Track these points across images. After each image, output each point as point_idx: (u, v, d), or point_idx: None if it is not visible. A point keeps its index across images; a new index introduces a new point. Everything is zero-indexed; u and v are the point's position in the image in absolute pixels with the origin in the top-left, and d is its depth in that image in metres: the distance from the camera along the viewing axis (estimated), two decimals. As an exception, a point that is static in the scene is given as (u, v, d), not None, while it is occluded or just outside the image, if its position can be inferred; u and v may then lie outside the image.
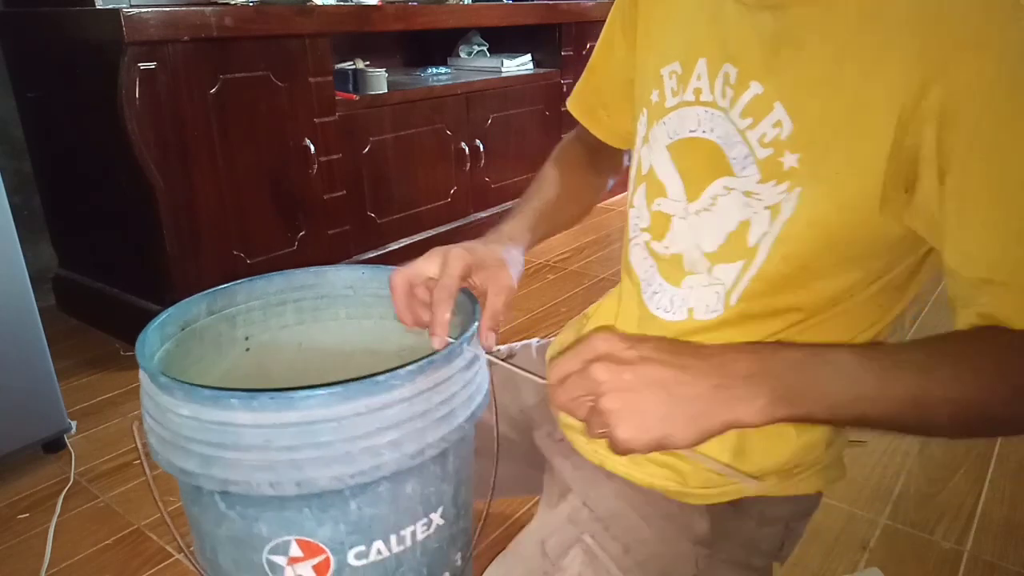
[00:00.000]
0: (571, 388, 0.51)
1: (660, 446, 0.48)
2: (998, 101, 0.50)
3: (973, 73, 0.50)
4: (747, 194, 0.64)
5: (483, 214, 2.90)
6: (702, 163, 0.68)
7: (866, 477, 1.57)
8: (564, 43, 3.12)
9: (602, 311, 0.85)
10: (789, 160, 0.61)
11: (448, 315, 0.63)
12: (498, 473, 0.74)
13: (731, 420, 0.48)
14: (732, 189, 0.66)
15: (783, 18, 0.61)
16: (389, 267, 0.76)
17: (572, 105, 0.93)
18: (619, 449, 0.49)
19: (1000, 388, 0.50)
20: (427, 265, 0.67)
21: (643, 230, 0.76)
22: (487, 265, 0.68)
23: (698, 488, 0.71)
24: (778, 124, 0.61)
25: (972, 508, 1.47)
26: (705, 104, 0.68)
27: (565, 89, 3.16)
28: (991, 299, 0.53)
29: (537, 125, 3.10)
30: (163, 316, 0.67)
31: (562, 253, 2.86)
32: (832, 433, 0.74)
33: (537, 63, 3.16)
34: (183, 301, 0.71)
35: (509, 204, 3.01)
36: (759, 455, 0.70)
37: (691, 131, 0.70)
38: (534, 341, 0.98)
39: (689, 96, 0.70)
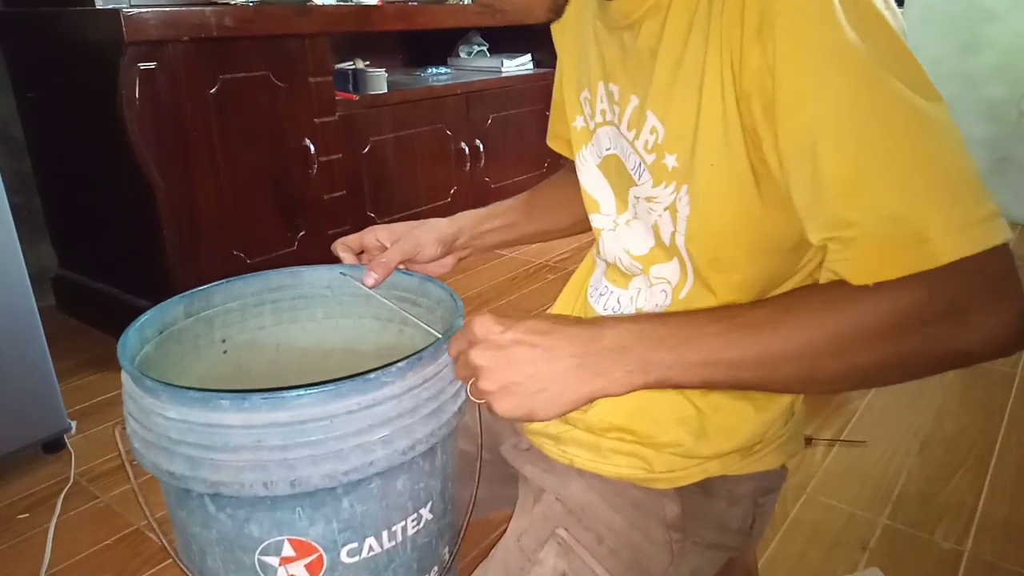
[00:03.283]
0: (460, 368, 0.58)
1: (530, 419, 0.55)
2: (787, 77, 0.53)
3: (759, 57, 0.54)
4: (648, 199, 0.69)
5: (483, 214, 2.90)
6: (620, 177, 0.74)
7: (866, 477, 1.57)
8: (564, 43, 3.12)
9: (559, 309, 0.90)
10: (670, 161, 0.65)
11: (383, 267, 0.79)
12: (460, 492, 0.76)
13: (593, 392, 0.54)
14: (639, 197, 0.70)
15: (638, 35, 0.66)
16: (365, 267, 0.78)
17: (550, 141, 0.96)
18: (498, 418, 0.56)
19: (832, 343, 0.52)
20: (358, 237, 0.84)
21: (591, 242, 0.83)
22: (399, 232, 0.83)
23: (664, 473, 0.73)
24: (654, 131, 0.65)
25: (972, 508, 1.47)
26: (609, 123, 0.74)
27: (566, 89, 3.16)
28: (830, 256, 0.54)
29: (537, 125, 3.10)
30: (142, 319, 0.68)
31: (562, 253, 2.86)
32: (789, 410, 0.76)
33: (537, 63, 3.16)
34: (161, 304, 0.71)
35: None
36: (719, 436, 0.72)
37: (607, 149, 0.75)
38: None
39: (599, 118, 0.75)
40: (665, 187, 0.66)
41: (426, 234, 0.84)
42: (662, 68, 0.63)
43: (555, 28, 0.84)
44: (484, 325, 0.56)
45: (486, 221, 0.91)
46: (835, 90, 0.51)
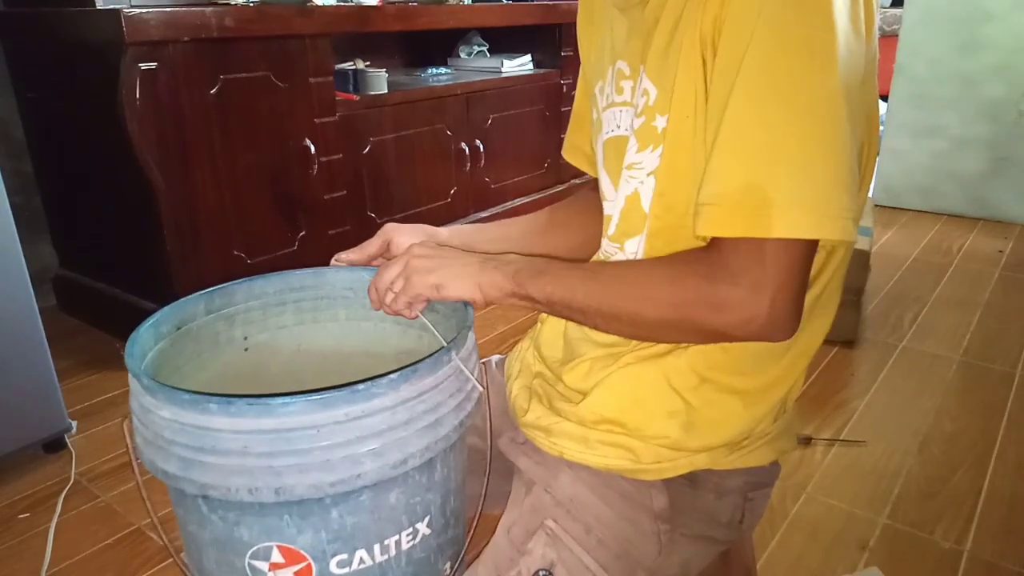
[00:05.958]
0: (386, 299, 0.71)
1: (436, 290, 0.69)
2: (729, 38, 0.58)
3: (711, 19, 0.60)
4: (629, 167, 0.71)
5: (483, 214, 2.89)
6: (616, 157, 0.75)
7: (866, 477, 1.57)
8: (564, 43, 3.11)
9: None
10: (660, 123, 0.67)
11: (354, 256, 0.83)
12: (471, 488, 0.77)
13: (479, 281, 0.68)
14: (622, 170, 0.73)
15: (645, 8, 0.70)
16: None
17: (567, 154, 0.97)
18: (413, 301, 0.70)
19: (655, 296, 0.62)
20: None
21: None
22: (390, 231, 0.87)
23: (651, 464, 0.74)
24: (645, 93, 0.69)
25: (972, 508, 1.47)
26: (612, 105, 0.76)
27: (565, 89, 3.15)
28: (696, 211, 0.61)
29: (537, 125, 3.10)
30: (157, 316, 0.67)
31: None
32: (779, 407, 0.77)
33: (537, 63, 3.15)
34: (179, 300, 0.71)
35: (509, 204, 3.01)
36: (707, 430, 0.73)
37: (607, 133, 0.77)
38: (493, 358, 1.00)
39: (603, 102, 0.78)
40: (652, 150, 0.68)
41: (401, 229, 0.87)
42: (661, 32, 0.66)
43: (581, 28, 0.86)
44: (414, 249, 0.71)
45: (478, 233, 0.91)
46: (765, 58, 0.55)
